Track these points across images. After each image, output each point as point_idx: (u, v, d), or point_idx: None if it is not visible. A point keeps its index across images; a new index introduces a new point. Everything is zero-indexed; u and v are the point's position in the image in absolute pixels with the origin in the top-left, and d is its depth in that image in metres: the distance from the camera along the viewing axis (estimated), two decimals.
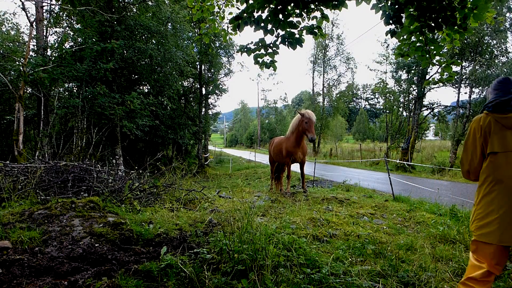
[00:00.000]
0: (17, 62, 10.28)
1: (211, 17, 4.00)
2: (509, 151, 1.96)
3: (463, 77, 16.11)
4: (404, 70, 18.26)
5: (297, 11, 2.90)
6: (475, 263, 2.01)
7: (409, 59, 4.49)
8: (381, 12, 2.92)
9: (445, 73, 3.23)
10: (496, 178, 1.97)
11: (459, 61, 4.22)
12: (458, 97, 17.01)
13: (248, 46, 3.10)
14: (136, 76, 13.81)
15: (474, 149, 2.08)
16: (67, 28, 12.15)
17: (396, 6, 2.76)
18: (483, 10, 2.53)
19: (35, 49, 10.10)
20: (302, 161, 7.27)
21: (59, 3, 10.65)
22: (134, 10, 12.76)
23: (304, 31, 3.05)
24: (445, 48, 3.38)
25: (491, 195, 1.98)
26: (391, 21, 2.84)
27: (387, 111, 22.07)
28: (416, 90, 17.99)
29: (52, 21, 11.38)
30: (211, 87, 21.33)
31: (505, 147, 1.97)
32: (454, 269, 2.67)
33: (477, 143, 2.06)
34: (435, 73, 17.02)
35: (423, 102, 18.64)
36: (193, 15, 3.97)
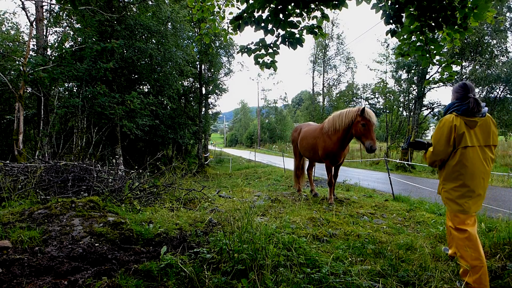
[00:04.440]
0: (17, 62, 10.28)
1: (212, 17, 4.00)
2: (474, 146, 2.59)
3: (463, 77, 16.10)
4: (404, 70, 18.26)
5: (298, 10, 2.90)
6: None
7: (409, 58, 4.49)
8: (381, 11, 2.92)
9: (445, 73, 3.23)
10: (464, 165, 2.59)
11: (459, 60, 4.24)
12: None
13: (248, 46, 3.10)
14: (136, 76, 13.82)
15: (448, 143, 2.62)
16: (67, 28, 12.15)
17: (396, 6, 2.76)
18: (483, 9, 2.53)
19: (35, 48, 10.10)
20: (341, 163, 6.00)
21: (61, 3, 10.65)
22: (134, 10, 12.77)
23: (305, 31, 3.05)
24: (445, 47, 3.38)
25: (458, 176, 2.61)
26: (391, 21, 2.84)
27: (387, 111, 22.07)
28: (416, 90, 17.99)
29: (52, 20, 11.38)
30: (211, 87, 21.33)
31: (472, 142, 2.59)
32: (454, 269, 2.67)
33: (451, 139, 2.61)
34: (435, 73, 17.02)
35: (423, 102, 18.65)
36: (194, 15, 3.97)
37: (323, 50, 28.65)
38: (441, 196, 2.82)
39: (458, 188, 2.62)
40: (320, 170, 12.28)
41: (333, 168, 5.87)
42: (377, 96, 23.54)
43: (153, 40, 13.06)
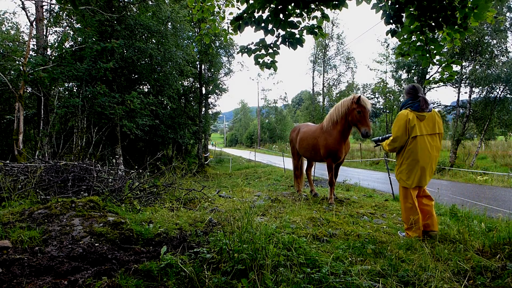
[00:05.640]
0: (17, 62, 10.28)
1: (212, 17, 4.00)
2: (423, 135, 3.44)
3: (463, 77, 16.10)
4: (404, 70, 18.27)
5: (298, 11, 2.90)
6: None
7: (409, 58, 4.51)
8: (381, 11, 2.92)
9: (445, 73, 3.23)
10: (415, 150, 3.45)
11: (459, 60, 4.30)
12: (458, 96, 17.02)
13: (248, 46, 3.10)
14: (136, 76, 13.82)
15: (405, 132, 3.46)
16: (67, 28, 12.16)
17: (397, 6, 2.75)
18: (483, 9, 2.53)
19: (35, 48, 10.10)
20: (342, 161, 5.89)
21: (61, 3, 10.64)
22: (134, 10, 12.77)
23: (305, 31, 3.04)
24: (446, 47, 3.39)
25: (411, 160, 3.48)
26: (391, 21, 2.83)
27: (387, 111, 22.07)
28: None
29: (52, 20, 11.39)
30: (211, 87, 21.35)
31: (421, 132, 3.43)
32: (454, 269, 2.67)
33: (407, 129, 3.44)
34: (435, 73, 17.04)
35: None
36: (194, 15, 3.97)
37: (323, 50, 28.67)
38: (395, 176, 3.73)
39: (408, 168, 3.51)
40: (320, 170, 12.31)
41: (334, 167, 5.87)
42: (377, 96, 23.56)
43: (153, 40, 13.06)
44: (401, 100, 20.14)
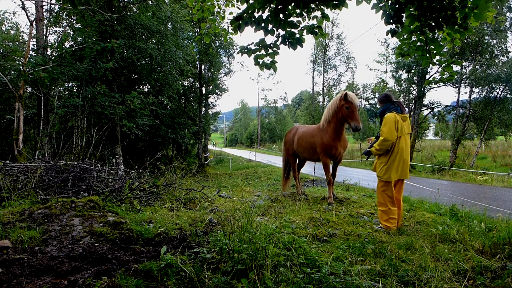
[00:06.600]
0: (17, 62, 10.28)
1: (212, 17, 4.00)
2: (404, 134, 3.99)
3: (463, 77, 16.10)
4: (404, 70, 18.26)
5: (298, 10, 2.90)
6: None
7: (409, 58, 4.54)
8: (381, 11, 2.92)
9: (445, 73, 3.22)
10: (401, 147, 3.97)
11: (459, 60, 4.39)
12: (458, 96, 17.02)
13: (248, 47, 3.10)
14: (136, 76, 13.82)
15: (396, 131, 3.91)
16: (67, 28, 12.14)
17: (397, 6, 2.75)
18: (483, 9, 2.53)
19: (35, 48, 10.10)
20: (340, 159, 5.99)
21: (60, 2, 10.64)
22: (134, 10, 12.77)
23: (305, 31, 3.04)
24: (446, 47, 3.39)
25: (395, 157, 3.98)
26: (391, 21, 2.83)
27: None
28: (416, 90, 17.98)
29: (52, 20, 11.38)
30: (211, 87, 21.34)
31: (404, 132, 3.98)
32: (453, 269, 2.67)
33: (397, 128, 3.90)
34: (435, 73, 17.03)
35: (423, 102, 18.64)
36: (194, 15, 3.97)
37: (323, 50, 28.67)
38: (377, 172, 4.16)
39: (395, 163, 3.97)
40: (320, 170, 12.27)
41: (331, 166, 5.94)
42: (377, 96, 23.57)
43: (153, 40, 13.06)
44: (401, 100, 20.14)
